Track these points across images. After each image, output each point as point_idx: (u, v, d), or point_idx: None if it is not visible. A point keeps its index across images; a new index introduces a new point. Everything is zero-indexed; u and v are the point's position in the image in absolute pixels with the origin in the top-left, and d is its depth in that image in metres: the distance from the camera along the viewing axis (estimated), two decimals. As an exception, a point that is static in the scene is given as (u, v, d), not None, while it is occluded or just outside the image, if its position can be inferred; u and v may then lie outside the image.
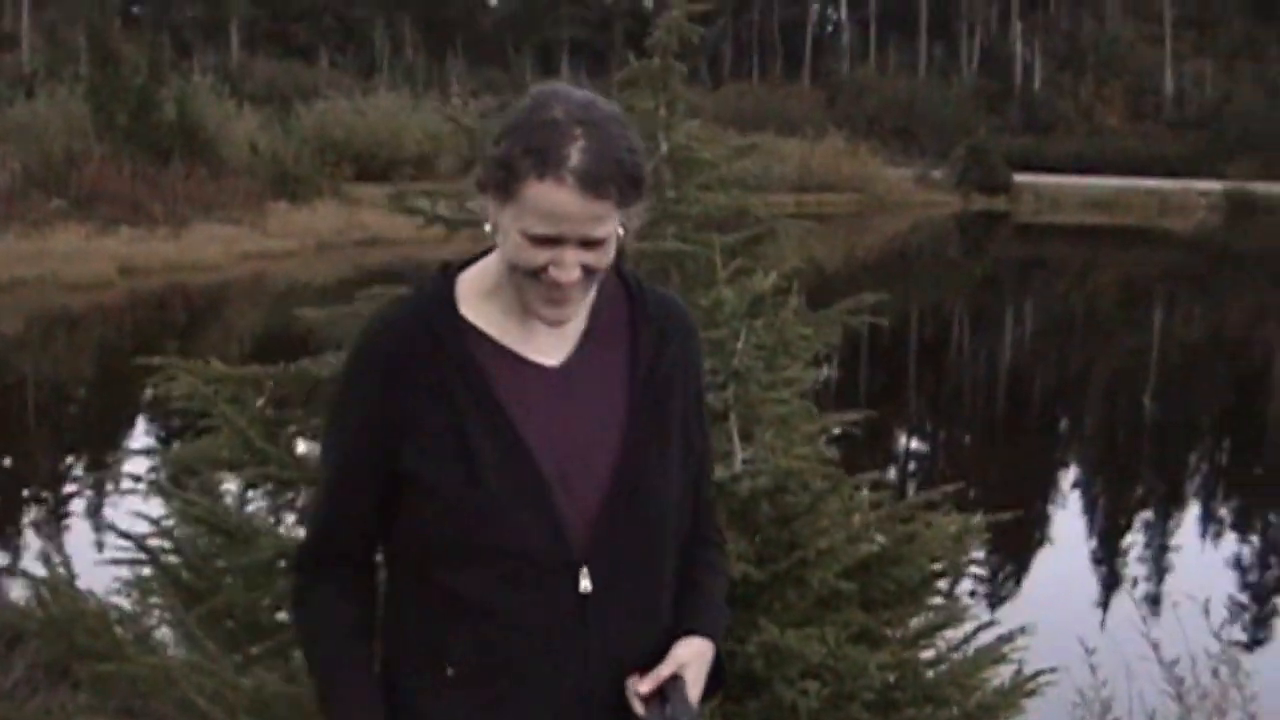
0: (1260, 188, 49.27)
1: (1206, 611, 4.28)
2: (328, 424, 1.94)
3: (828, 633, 3.10)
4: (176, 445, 4.16)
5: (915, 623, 3.50)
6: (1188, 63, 67.31)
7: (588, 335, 1.84)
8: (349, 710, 1.83)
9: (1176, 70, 67.13)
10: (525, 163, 1.66)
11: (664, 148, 3.93)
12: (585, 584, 1.76)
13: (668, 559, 1.88)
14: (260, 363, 3.60)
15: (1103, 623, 7.20)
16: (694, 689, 1.81)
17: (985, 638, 3.55)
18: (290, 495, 3.82)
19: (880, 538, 3.45)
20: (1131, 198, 48.25)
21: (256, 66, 53.80)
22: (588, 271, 1.73)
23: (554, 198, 1.66)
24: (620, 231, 1.74)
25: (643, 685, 1.78)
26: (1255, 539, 9.87)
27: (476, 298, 1.82)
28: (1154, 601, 7.66)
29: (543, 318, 1.77)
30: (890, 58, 71.68)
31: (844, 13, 78.72)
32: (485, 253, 1.85)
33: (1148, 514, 10.61)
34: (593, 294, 1.81)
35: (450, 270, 1.86)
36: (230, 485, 3.78)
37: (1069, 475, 12.07)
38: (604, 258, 1.73)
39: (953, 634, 3.56)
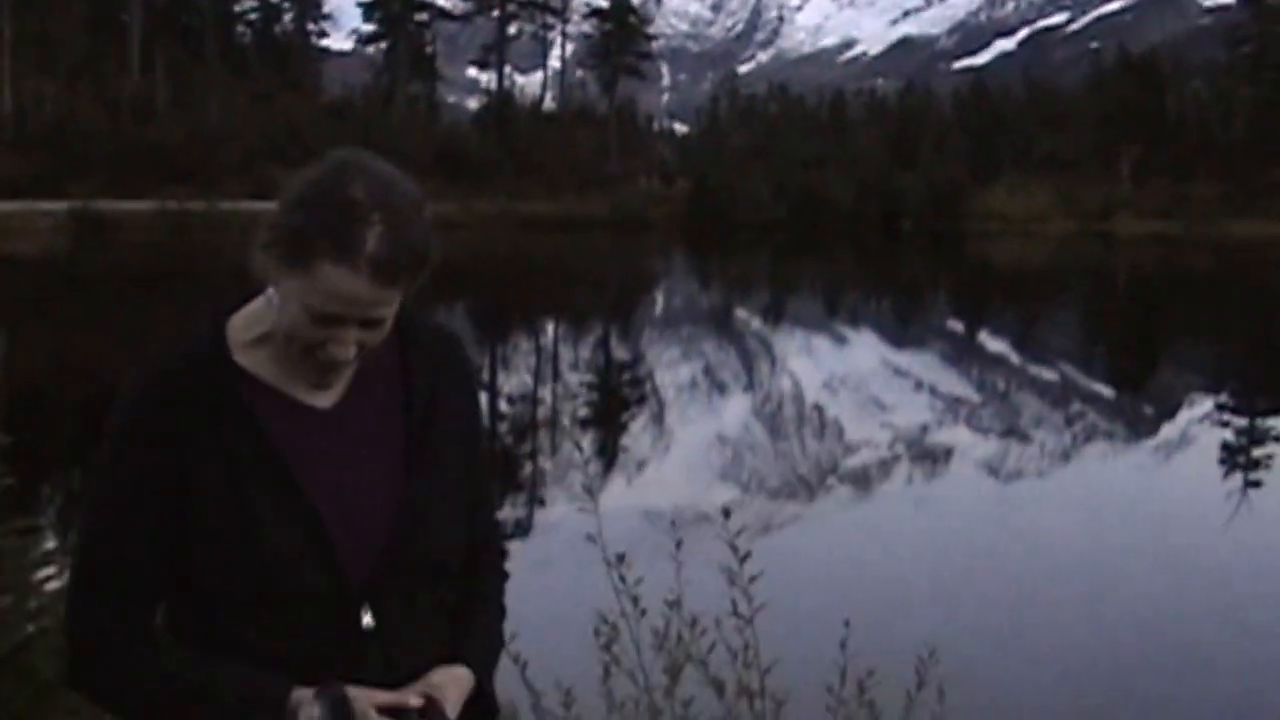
0: (107, 206, 49.53)
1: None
2: (101, 480, 1.79)
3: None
4: None
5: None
6: (27, 81, 65.78)
7: (361, 373, 1.80)
8: (248, 684, 1.70)
9: (16, 89, 65.33)
10: (321, 242, 1.62)
11: None
12: (367, 619, 1.75)
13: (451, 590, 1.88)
14: None
15: None
16: (452, 714, 1.78)
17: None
18: None
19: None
20: (-29, 221, 45.39)
21: None
22: (361, 348, 1.71)
23: (347, 284, 1.63)
24: None
25: (381, 698, 1.69)
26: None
27: (248, 343, 1.77)
28: None
29: (310, 385, 1.76)
30: None
31: None
32: (252, 295, 1.78)
33: None
34: None
35: (219, 315, 1.80)
36: None
37: None
38: (379, 336, 1.72)
39: None
